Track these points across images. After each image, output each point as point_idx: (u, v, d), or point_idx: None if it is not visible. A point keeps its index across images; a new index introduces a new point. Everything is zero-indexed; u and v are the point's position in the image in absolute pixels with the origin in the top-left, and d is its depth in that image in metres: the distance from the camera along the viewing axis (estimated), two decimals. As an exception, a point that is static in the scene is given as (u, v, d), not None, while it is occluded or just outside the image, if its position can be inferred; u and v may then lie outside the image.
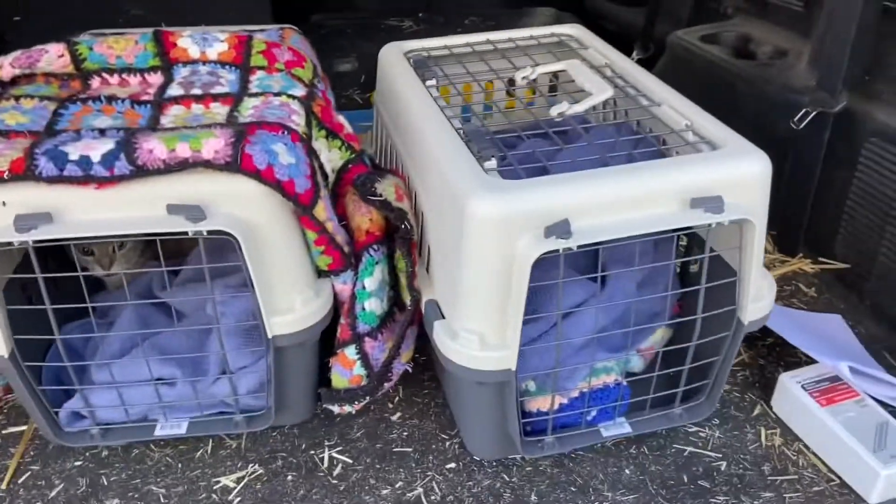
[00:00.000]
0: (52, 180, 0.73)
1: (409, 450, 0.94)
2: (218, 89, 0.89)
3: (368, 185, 0.88)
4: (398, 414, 1.00)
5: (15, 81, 0.90)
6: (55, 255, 0.91)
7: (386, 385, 0.91)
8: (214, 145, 0.75)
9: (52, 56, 0.90)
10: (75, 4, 1.66)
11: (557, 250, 0.72)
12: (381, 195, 0.87)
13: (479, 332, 0.78)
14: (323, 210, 0.83)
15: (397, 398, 1.02)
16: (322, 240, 0.84)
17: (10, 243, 0.74)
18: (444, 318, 0.83)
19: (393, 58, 1.08)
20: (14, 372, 0.82)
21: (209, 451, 0.94)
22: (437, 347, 0.82)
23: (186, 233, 0.75)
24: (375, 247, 0.89)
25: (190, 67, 0.93)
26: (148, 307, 0.98)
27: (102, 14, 1.68)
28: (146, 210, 0.76)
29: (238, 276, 0.93)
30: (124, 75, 0.92)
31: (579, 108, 0.89)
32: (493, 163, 0.79)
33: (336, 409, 0.94)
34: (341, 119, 0.96)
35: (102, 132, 0.79)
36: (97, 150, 0.74)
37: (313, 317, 0.86)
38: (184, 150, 0.75)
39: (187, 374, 0.89)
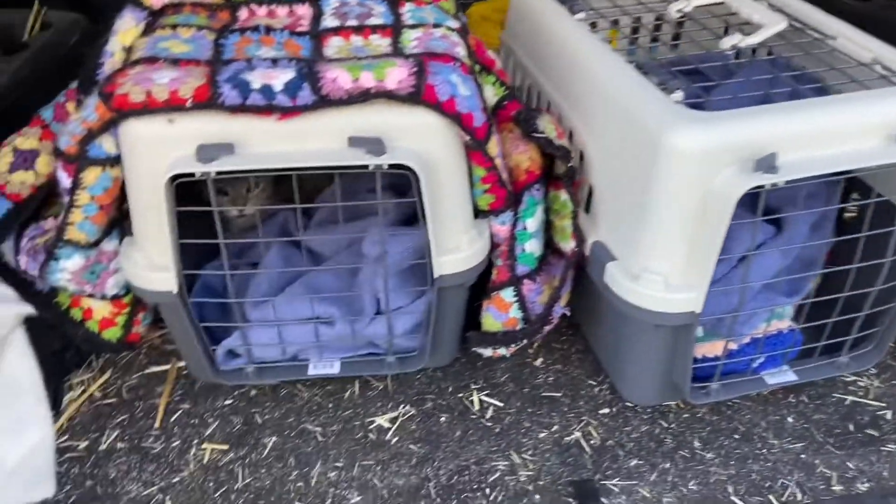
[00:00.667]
0: (234, 110, 0.71)
1: (559, 394, 0.93)
2: (373, 21, 0.86)
3: (531, 121, 0.85)
4: (540, 360, 0.98)
5: (162, 11, 0.88)
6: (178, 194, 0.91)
7: (546, 328, 0.89)
8: (398, 75, 0.72)
9: (203, -15, 0.87)
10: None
11: (762, 186, 0.68)
12: (543, 132, 0.84)
13: (663, 272, 0.75)
14: (495, 145, 0.80)
15: (536, 344, 1.00)
16: (490, 177, 0.81)
17: (191, 174, 0.72)
18: (615, 259, 0.81)
19: (531, -7, 1.03)
20: (181, 308, 0.81)
21: (357, 392, 0.93)
22: (612, 289, 0.79)
23: (367, 167, 0.73)
24: (537, 186, 0.86)
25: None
26: (290, 248, 0.96)
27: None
28: (326, 142, 0.73)
29: (388, 216, 0.91)
30: (272, 6, 0.89)
31: (753, 39, 0.85)
32: (679, 94, 0.75)
33: (488, 352, 0.92)
34: (492, 54, 0.92)
35: (275, 62, 0.76)
36: (279, 78, 0.72)
37: (477, 256, 0.84)
38: (367, 80, 0.72)
39: (344, 314, 0.87)
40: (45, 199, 0.89)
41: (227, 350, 0.89)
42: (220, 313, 0.92)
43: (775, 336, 0.84)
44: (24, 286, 0.89)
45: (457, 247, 0.82)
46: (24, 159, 0.86)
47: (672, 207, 0.72)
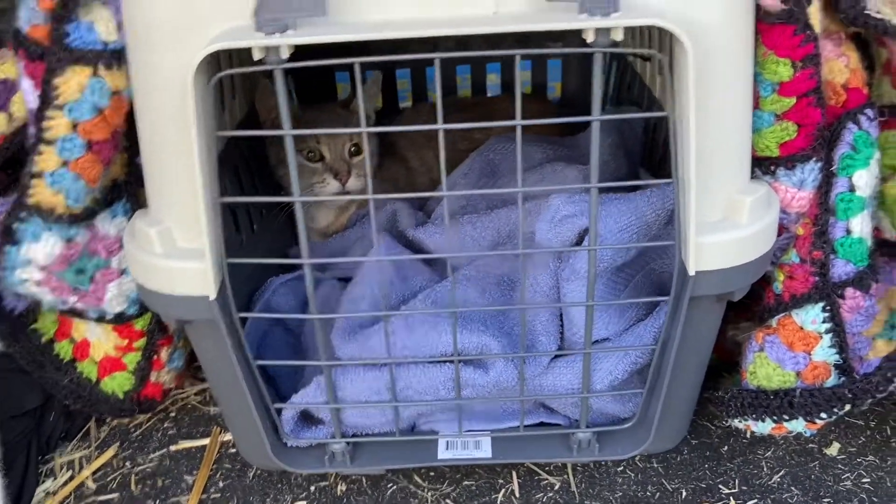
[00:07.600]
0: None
1: (883, 508, 0.51)
2: None
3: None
4: (836, 447, 0.57)
5: None
6: (253, 166, 0.59)
7: (882, 391, 0.47)
8: None
9: None
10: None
11: None
12: (878, 13, 0.46)
13: None
14: (817, 20, 0.42)
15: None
16: (798, 83, 0.43)
17: (246, 51, 0.37)
18: None
19: None
20: (223, 330, 0.44)
21: (517, 492, 0.54)
22: None
23: (580, 40, 0.36)
24: (868, 114, 0.47)
25: None
26: (401, 252, 0.60)
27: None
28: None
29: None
30: None
31: None
32: None
33: (761, 427, 0.51)
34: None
35: None
36: None
37: (766, 237, 0.45)
38: None
39: (504, 348, 0.49)
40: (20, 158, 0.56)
41: (299, 412, 0.51)
42: (288, 350, 0.55)
43: None
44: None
45: (730, 217, 0.43)
46: (-6, 94, 0.54)
47: None
